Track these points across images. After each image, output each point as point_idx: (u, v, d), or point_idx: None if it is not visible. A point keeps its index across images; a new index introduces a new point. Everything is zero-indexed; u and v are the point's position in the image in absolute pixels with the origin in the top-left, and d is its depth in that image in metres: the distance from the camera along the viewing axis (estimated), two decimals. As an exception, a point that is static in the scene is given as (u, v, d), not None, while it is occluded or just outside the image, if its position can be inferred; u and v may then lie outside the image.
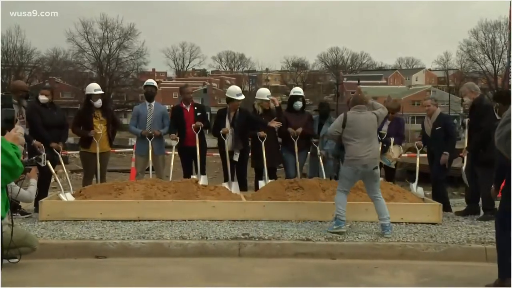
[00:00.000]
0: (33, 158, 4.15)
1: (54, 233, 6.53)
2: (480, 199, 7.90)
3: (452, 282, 5.37)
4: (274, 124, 8.65)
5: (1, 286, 3.28)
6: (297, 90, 9.55)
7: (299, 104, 9.15)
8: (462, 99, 8.12)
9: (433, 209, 7.45)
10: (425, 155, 8.79)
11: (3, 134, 3.28)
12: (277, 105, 9.08)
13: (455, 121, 14.47)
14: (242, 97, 9.06)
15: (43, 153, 7.13)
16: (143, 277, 5.44)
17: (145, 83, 9.51)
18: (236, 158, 8.87)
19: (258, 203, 7.57)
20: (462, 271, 5.72)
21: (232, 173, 8.98)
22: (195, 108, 9.23)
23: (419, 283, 5.38)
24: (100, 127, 8.57)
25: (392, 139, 8.78)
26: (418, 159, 8.80)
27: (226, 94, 9.32)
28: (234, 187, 8.74)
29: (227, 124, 8.95)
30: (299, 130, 8.81)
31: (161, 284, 5.20)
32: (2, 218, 3.22)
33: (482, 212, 7.85)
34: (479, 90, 8.09)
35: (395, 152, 8.79)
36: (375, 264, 5.90)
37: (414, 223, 7.23)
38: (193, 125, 8.92)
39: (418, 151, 8.72)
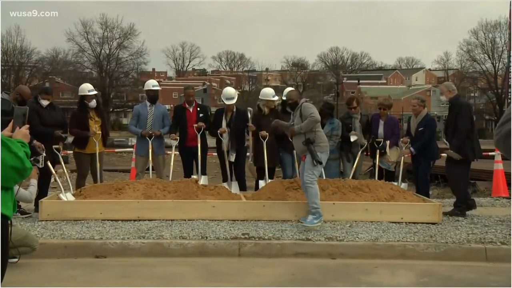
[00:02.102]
0: (31, 159, 4.14)
1: (54, 233, 6.53)
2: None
3: (452, 282, 5.37)
4: (251, 128, 8.85)
5: (1, 286, 3.28)
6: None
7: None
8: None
9: (433, 209, 7.45)
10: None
11: (13, 130, 3.28)
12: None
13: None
14: (232, 102, 9.03)
15: (42, 154, 7.15)
16: (143, 277, 5.44)
17: (150, 87, 9.32)
18: (232, 158, 8.90)
19: (258, 203, 7.57)
20: (462, 271, 5.72)
21: (231, 173, 8.99)
22: (198, 109, 9.22)
23: (419, 283, 5.38)
24: (95, 128, 8.58)
25: (388, 142, 8.82)
26: (402, 157, 8.81)
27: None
28: (234, 187, 8.75)
29: (224, 124, 8.98)
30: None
31: (161, 284, 5.21)
32: (9, 219, 3.23)
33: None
34: (456, 90, 8.36)
35: (392, 155, 8.83)
36: (375, 264, 5.90)
37: (414, 223, 7.23)
38: (195, 125, 8.92)
39: (404, 147, 8.75)
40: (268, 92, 9.32)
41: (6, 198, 3.17)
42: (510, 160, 2.44)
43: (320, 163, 6.90)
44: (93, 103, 8.65)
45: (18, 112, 3.37)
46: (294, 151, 8.84)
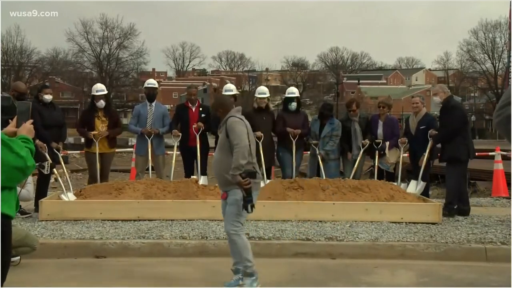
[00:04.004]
0: (36, 164, 4.14)
1: (54, 233, 6.53)
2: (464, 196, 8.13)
3: (452, 282, 5.37)
4: None
5: (1, 286, 3.28)
6: (291, 91, 9.49)
7: (293, 105, 9.17)
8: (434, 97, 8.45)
9: (433, 209, 7.45)
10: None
11: (19, 126, 3.28)
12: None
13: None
14: (229, 93, 9.02)
15: (48, 161, 7.16)
16: (143, 277, 5.44)
17: (146, 85, 9.50)
18: None
19: (258, 203, 7.51)
20: (462, 271, 5.72)
21: None
22: (200, 109, 9.23)
23: (419, 283, 5.38)
24: (101, 127, 8.63)
25: (387, 144, 8.81)
26: (401, 157, 8.82)
27: None
28: None
29: None
30: (298, 131, 8.82)
31: (161, 284, 5.21)
32: (12, 219, 3.23)
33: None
34: (449, 92, 8.39)
35: (391, 156, 8.82)
36: (375, 264, 5.90)
37: (414, 223, 7.23)
38: (194, 125, 8.91)
39: (402, 148, 8.75)
40: (257, 90, 9.52)
41: (9, 198, 3.16)
42: (510, 143, 2.32)
43: (251, 210, 4.85)
44: (100, 103, 8.72)
45: (22, 107, 3.37)
46: (294, 151, 8.85)
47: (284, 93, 9.75)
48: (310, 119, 10.23)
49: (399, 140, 8.81)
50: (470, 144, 7.94)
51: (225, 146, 4.98)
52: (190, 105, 9.15)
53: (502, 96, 2.18)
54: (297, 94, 9.46)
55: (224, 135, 4.99)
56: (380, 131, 9.00)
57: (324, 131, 8.96)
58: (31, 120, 3.33)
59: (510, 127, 2.11)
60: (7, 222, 3.16)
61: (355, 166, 8.93)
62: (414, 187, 8.33)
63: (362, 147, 8.93)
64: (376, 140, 8.90)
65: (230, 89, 9.28)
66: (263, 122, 8.92)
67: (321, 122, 9.13)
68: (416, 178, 8.45)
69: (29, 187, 6.56)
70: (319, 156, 8.85)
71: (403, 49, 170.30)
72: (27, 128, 3.28)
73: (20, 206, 7.55)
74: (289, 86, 14.29)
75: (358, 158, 8.96)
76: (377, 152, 8.87)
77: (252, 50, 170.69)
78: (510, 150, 3.02)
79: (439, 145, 8.23)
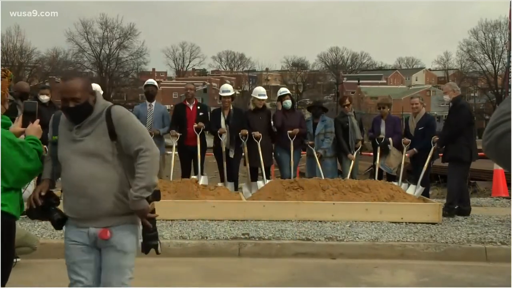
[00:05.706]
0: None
1: (54, 233, 6.51)
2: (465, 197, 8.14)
3: (452, 282, 5.38)
4: (242, 132, 8.77)
5: (4, 286, 3.28)
6: (283, 90, 9.62)
7: (288, 103, 9.16)
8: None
9: (433, 209, 7.45)
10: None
11: (25, 126, 3.28)
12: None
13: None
14: (227, 94, 9.04)
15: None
16: (143, 277, 5.43)
17: (145, 83, 9.58)
18: (231, 154, 8.90)
19: (258, 203, 7.57)
20: (462, 271, 5.72)
21: (227, 173, 8.99)
22: (198, 107, 9.23)
23: (419, 283, 5.38)
24: None
25: (391, 139, 8.79)
26: (403, 156, 8.82)
27: None
28: (230, 187, 8.76)
29: (222, 121, 8.97)
30: (296, 131, 8.81)
31: (161, 284, 5.21)
32: (17, 219, 3.23)
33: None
34: (459, 91, 8.39)
35: (394, 160, 8.81)
36: (375, 264, 5.91)
37: (414, 223, 7.23)
38: (194, 125, 8.91)
39: (405, 148, 8.75)
40: (255, 90, 9.53)
41: (15, 199, 3.17)
42: (503, 166, 1.97)
43: (159, 250, 3.54)
44: None
45: (29, 107, 3.37)
46: (292, 151, 8.84)
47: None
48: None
49: (402, 140, 8.80)
50: (473, 145, 7.92)
51: (106, 152, 3.08)
52: (187, 103, 9.16)
53: (491, 118, 2.00)
54: (288, 92, 9.56)
55: (106, 133, 3.08)
56: (382, 129, 9.02)
57: (317, 129, 9.00)
58: (38, 120, 3.34)
59: (502, 145, 1.90)
60: (12, 222, 3.17)
61: (351, 165, 8.92)
62: (412, 191, 8.32)
63: (355, 150, 8.95)
64: (378, 137, 8.88)
65: (228, 89, 9.21)
66: (260, 121, 8.93)
67: (313, 121, 9.17)
68: (416, 181, 8.45)
69: (29, 187, 6.54)
70: (316, 156, 8.85)
71: (403, 49, 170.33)
72: (36, 129, 3.28)
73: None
74: (289, 86, 14.34)
75: (353, 157, 8.98)
76: (379, 149, 8.85)
77: (252, 50, 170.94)
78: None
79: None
